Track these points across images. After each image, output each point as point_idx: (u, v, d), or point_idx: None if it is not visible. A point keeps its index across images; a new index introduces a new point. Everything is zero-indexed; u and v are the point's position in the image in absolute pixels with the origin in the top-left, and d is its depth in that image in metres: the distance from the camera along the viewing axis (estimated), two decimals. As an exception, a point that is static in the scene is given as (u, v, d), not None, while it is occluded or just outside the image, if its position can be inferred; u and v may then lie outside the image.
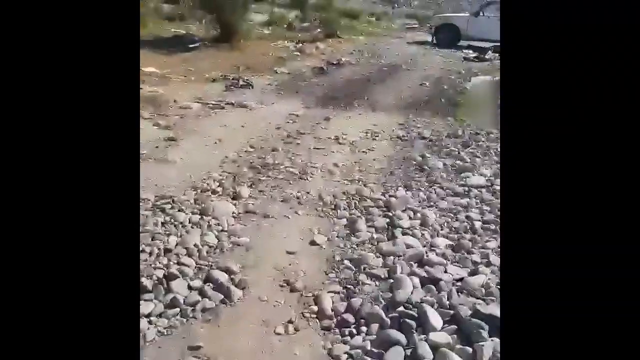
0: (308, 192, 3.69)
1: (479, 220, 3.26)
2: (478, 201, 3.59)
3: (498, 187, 3.81)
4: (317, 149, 4.77)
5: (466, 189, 3.81)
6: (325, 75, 8.73)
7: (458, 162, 4.43)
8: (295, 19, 14.62)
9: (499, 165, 4.32)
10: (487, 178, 4.03)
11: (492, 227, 3.16)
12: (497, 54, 11.10)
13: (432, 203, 3.54)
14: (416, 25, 18.32)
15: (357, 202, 3.54)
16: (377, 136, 5.26)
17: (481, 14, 13.62)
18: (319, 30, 13.51)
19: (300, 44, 11.62)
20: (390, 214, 3.32)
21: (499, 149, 4.78)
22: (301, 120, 5.84)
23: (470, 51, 12.45)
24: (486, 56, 10.67)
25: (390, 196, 3.62)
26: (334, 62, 9.77)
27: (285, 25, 14.57)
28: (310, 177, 4.01)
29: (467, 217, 3.32)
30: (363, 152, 4.73)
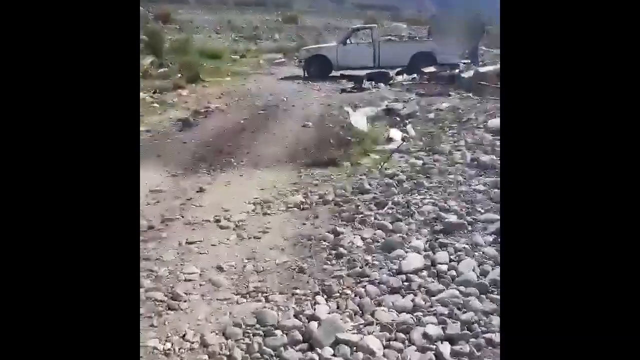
0: (183, 336, 2.38)
1: (444, 339, 2.23)
2: (427, 298, 2.58)
3: (441, 267, 2.87)
4: (191, 243, 3.46)
5: (404, 278, 2.79)
6: (192, 129, 7.40)
7: (379, 232, 3.43)
8: (151, 66, 13.08)
9: (430, 230, 3.41)
10: (423, 254, 3.06)
11: (466, 350, 2.14)
12: (373, 82, 10.73)
13: (368, 317, 2.44)
14: (283, 60, 17.75)
15: (260, 339, 2.32)
16: (269, 207, 4.10)
17: (349, 41, 13.35)
18: (179, 75, 12.12)
19: (159, 94, 10.14)
20: (315, 357, 2.15)
21: (419, 203, 3.91)
22: (166, 197, 4.47)
23: (345, 81, 12.01)
24: (364, 85, 10.21)
25: (308, 318, 2.45)
26: (202, 111, 8.49)
27: (140, 74, 12.95)
28: (185, 303, 2.69)
29: (425, 335, 2.27)
30: (255, 237, 3.53)
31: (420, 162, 5.28)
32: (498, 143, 5.51)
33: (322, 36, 24.62)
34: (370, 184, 4.51)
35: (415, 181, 4.49)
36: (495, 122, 7.22)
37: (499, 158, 4.72)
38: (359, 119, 7.79)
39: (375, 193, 4.26)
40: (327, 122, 7.55)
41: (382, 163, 5.37)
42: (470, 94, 9.12)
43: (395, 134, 7.33)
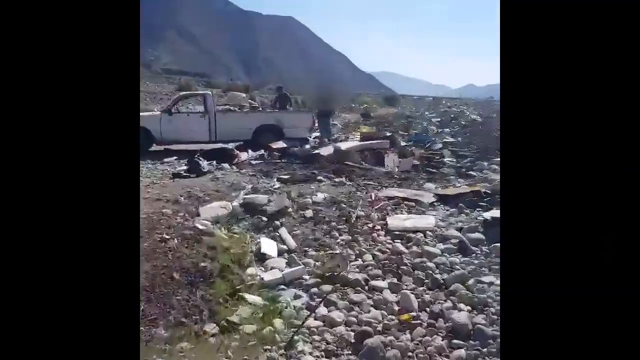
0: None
1: None
2: None
3: None
4: None
5: None
6: None
7: None
8: None
9: None
10: None
11: None
12: (214, 162, 8.28)
13: None
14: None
15: None
16: None
17: (175, 109, 10.69)
18: None
19: None
20: None
21: None
22: None
23: (175, 159, 9.31)
24: (203, 168, 7.69)
25: None
26: None
27: None
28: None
29: None
30: None
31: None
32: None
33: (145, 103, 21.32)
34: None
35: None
36: (396, 222, 5.43)
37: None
38: (210, 225, 5.27)
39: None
40: (166, 234, 4.82)
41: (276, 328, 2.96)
42: (343, 178, 7.35)
43: (269, 246, 4.98)
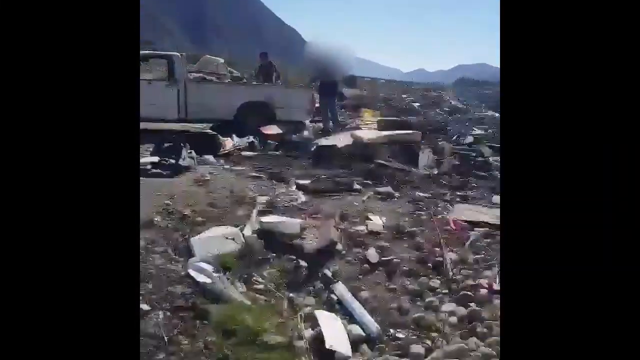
0: None
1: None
2: None
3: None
4: None
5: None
6: None
7: None
8: None
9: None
10: None
11: None
12: (193, 152, 5.81)
13: None
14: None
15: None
16: None
17: (132, 77, 8.02)
18: None
19: None
20: None
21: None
22: None
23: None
24: (181, 160, 5.23)
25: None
26: None
27: None
28: None
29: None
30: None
31: None
32: None
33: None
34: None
35: None
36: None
37: None
38: (336, 333, 3.00)
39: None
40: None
41: None
42: (388, 188, 5.16)
43: (334, 332, 2.77)
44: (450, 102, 21.59)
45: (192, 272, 3.20)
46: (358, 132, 7.35)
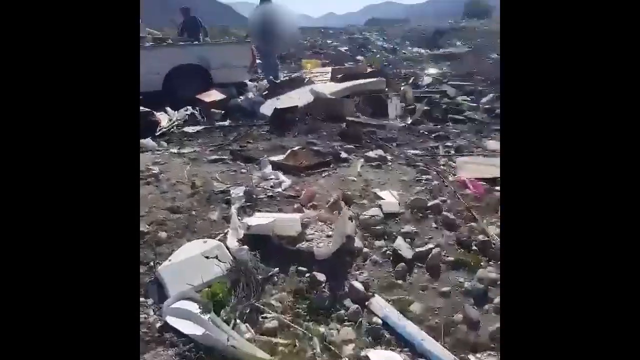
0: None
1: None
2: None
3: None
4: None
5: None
6: None
7: None
8: None
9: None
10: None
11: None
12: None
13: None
14: None
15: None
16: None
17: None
18: None
19: None
20: None
21: None
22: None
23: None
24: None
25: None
26: None
27: None
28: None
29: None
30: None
31: None
32: None
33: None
34: None
35: None
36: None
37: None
38: None
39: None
40: None
41: None
42: (380, 150, 4.30)
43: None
44: (378, 44, 20.89)
45: (172, 320, 2.24)
46: (316, 87, 6.35)
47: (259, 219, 2.86)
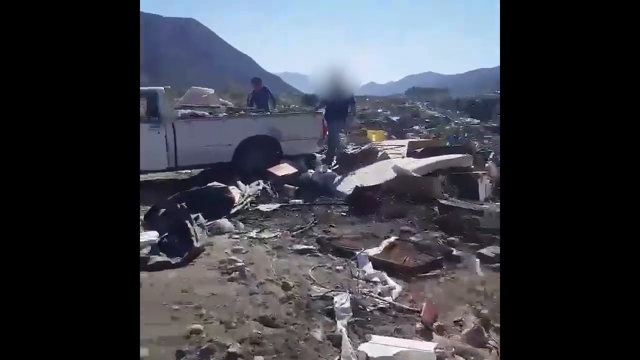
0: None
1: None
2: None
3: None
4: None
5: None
6: None
7: None
8: None
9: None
10: None
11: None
12: (201, 216, 4.20)
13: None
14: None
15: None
16: None
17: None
18: None
19: None
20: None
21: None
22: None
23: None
24: (194, 238, 3.64)
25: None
26: None
27: None
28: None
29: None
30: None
31: None
32: None
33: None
34: None
35: None
36: None
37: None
38: None
39: None
40: None
41: None
42: (496, 247, 3.69)
43: None
44: (427, 112, 20.56)
45: None
46: (398, 163, 5.87)
47: (380, 348, 2.28)
